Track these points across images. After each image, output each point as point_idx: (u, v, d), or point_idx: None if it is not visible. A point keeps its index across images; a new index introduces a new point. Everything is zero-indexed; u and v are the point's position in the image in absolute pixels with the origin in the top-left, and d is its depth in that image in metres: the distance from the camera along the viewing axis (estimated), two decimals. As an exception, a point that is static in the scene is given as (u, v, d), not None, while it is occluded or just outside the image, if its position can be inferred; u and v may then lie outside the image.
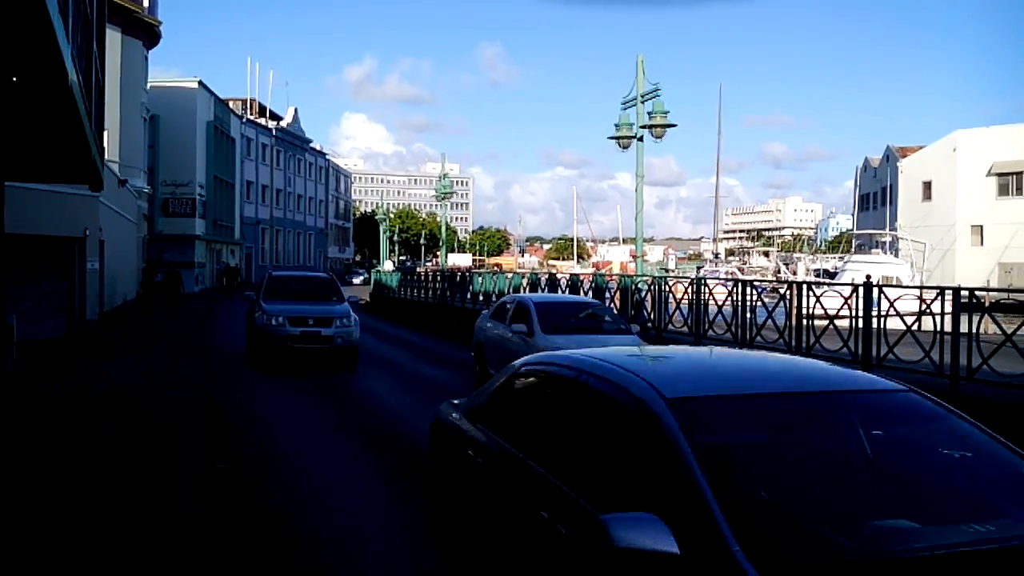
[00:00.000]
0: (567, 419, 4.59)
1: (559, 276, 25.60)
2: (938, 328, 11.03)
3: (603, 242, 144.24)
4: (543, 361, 5.41)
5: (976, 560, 3.18)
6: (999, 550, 3.30)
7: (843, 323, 13.01)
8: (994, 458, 4.05)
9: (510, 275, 29.01)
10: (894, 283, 19.52)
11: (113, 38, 34.66)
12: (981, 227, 53.76)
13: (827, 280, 31.68)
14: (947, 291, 11.61)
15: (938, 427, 4.38)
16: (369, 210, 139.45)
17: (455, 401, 6.31)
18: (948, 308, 11.39)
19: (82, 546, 6.53)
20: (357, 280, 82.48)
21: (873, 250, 49.24)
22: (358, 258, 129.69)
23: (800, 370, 4.98)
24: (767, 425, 4.01)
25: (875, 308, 12.25)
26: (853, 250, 56.80)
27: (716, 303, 16.31)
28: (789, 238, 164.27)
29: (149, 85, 48.44)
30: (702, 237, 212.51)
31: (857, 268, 35.49)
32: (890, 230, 52.81)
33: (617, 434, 4.10)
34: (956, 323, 10.70)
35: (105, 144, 21.72)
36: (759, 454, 3.90)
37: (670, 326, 17.73)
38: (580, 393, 4.54)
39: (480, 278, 30.82)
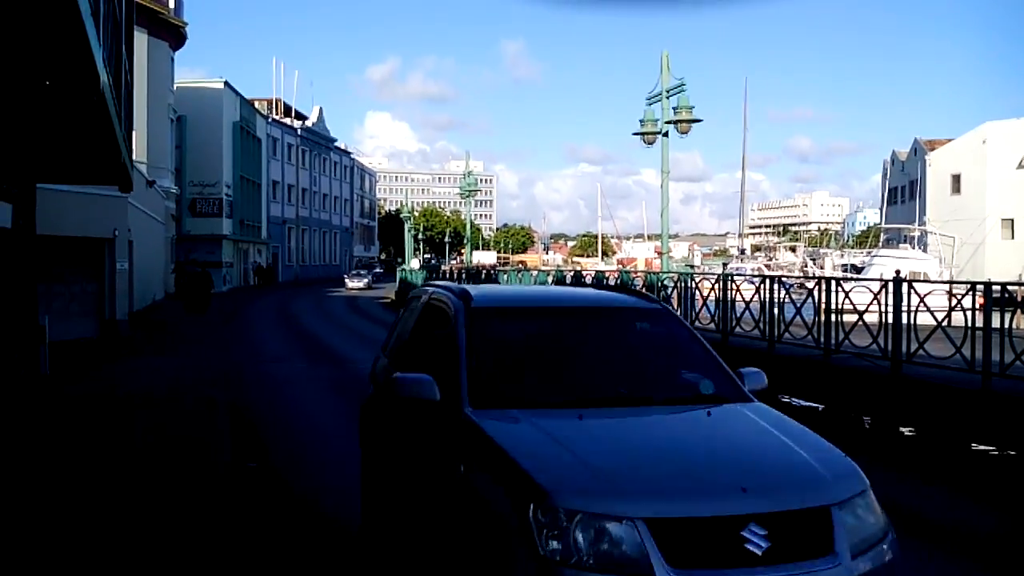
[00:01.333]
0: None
1: (584, 273, 25.54)
2: (969, 324, 10.92)
3: (628, 239, 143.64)
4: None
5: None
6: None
7: (872, 318, 12.89)
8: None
9: (535, 272, 29.02)
10: (921, 278, 19.29)
11: (140, 40, 35.00)
12: (1012, 220, 53.05)
13: (855, 276, 31.39)
14: (978, 286, 11.49)
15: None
16: (394, 208, 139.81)
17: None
18: (979, 303, 11.27)
19: (106, 544, 6.61)
20: (356, 283, 63.06)
21: (901, 245, 48.72)
22: (383, 256, 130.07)
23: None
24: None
25: (904, 303, 12.13)
26: (881, 245, 56.23)
27: (743, 299, 16.21)
28: (816, 233, 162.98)
29: (176, 86, 48.88)
30: (728, 233, 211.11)
31: (883, 263, 35.13)
32: (918, 224, 52.25)
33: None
34: (988, 318, 10.58)
35: (133, 145, 21.94)
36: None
37: (697, 323, 17.63)
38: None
39: (505, 275, 30.83)
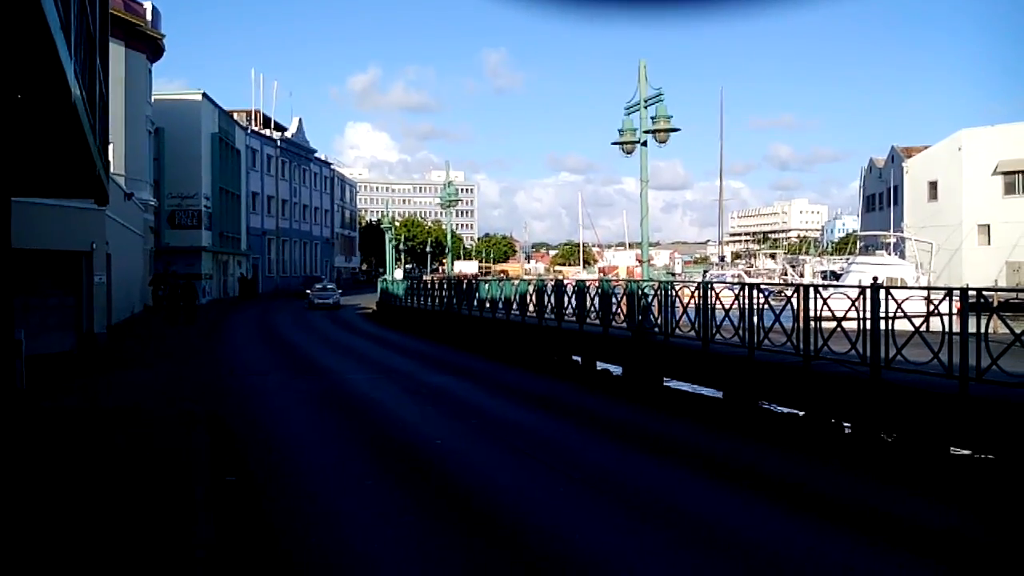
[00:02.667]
0: None
1: (566, 282, 25.55)
2: (946, 329, 11.00)
3: (609, 247, 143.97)
4: None
5: None
6: None
7: (851, 325, 12.96)
8: None
9: (516, 282, 28.98)
10: (899, 284, 19.46)
11: (116, 52, 34.81)
12: (988, 226, 53.60)
13: (834, 282, 31.61)
14: (955, 291, 11.58)
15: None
16: (375, 219, 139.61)
17: None
18: (956, 308, 11.35)
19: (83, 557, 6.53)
20: (322, 301, 51.97)
21: (877, 251, 49.14)
22: (365, 267, 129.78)
23: None
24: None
25: (882, 309, 12.21)
26: (858, 251, 56.64)
27: (723, 307, 16.27)
28: (795, 240, 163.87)
29: (153, 98, 48.62)
30: (708, 240, 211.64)
31: (861, 270, 35.41)
32: (896, 231, 52.70)
33: None
34: (964, 324, 10.66)
35: (111, 158, 21.77)
36: None
37: (677, 331, 17.69)
38: None
39: (487, 285, 30.80)
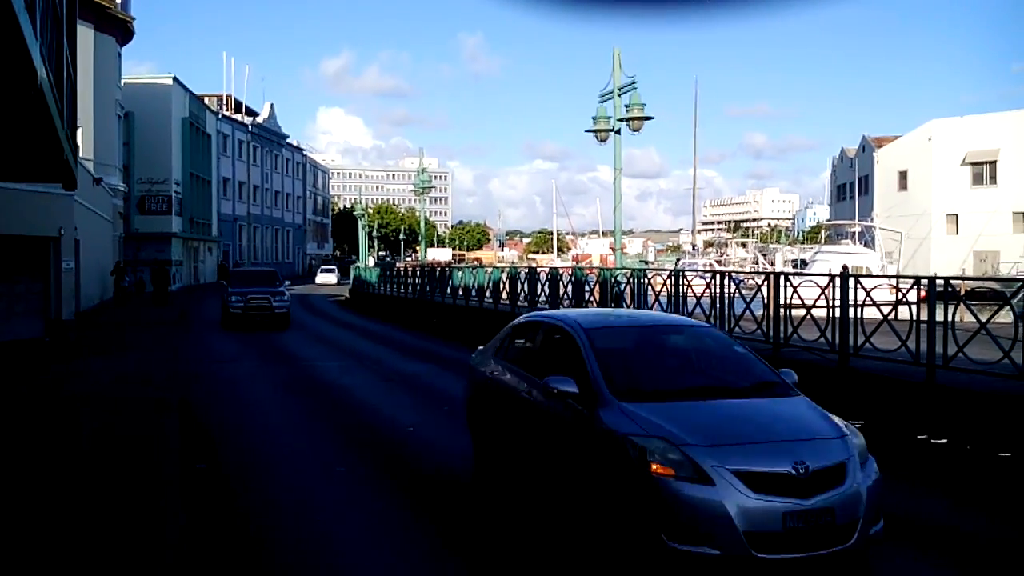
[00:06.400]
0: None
1: (539, 270, 25.60)
2: (914, 317, 11.13)
3: (583, 235, 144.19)
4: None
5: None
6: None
7: (820, 313, 13.09)
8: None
9: (490, 269, 28.99)
10: (863, 272, 19.67)
11: (85, 35, 34.32)
12: (956, 216, 54.30)
13: (804, 271, 31.88)
14: (922, 280, 11.72)
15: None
16: (348, 205, 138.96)
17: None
18: (923, 296, 11.50)
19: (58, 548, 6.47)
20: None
21: (843, 240, 49.62)
22: (338, 254, 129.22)
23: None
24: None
25: (851, 298, 12.32)
26: (824, 240, 57.18)
27: (695, 295, 16.36)
28: (767, 229, 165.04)
29: (123, 82, 48.03)
30: (681, 229, 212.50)
31: (826, 259, 35.77)
32: (865, 220, 53.21)
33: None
34: (932, 312, 10.79)
35: (79, 142, 21.51)
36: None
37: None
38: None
39: (460, 273, 30.78)
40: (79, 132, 20.79)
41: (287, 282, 36.93)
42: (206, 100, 72.35)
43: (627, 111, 20.15)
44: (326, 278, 70.07)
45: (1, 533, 6.87)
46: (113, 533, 6.81)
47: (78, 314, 25.09)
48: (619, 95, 20.42)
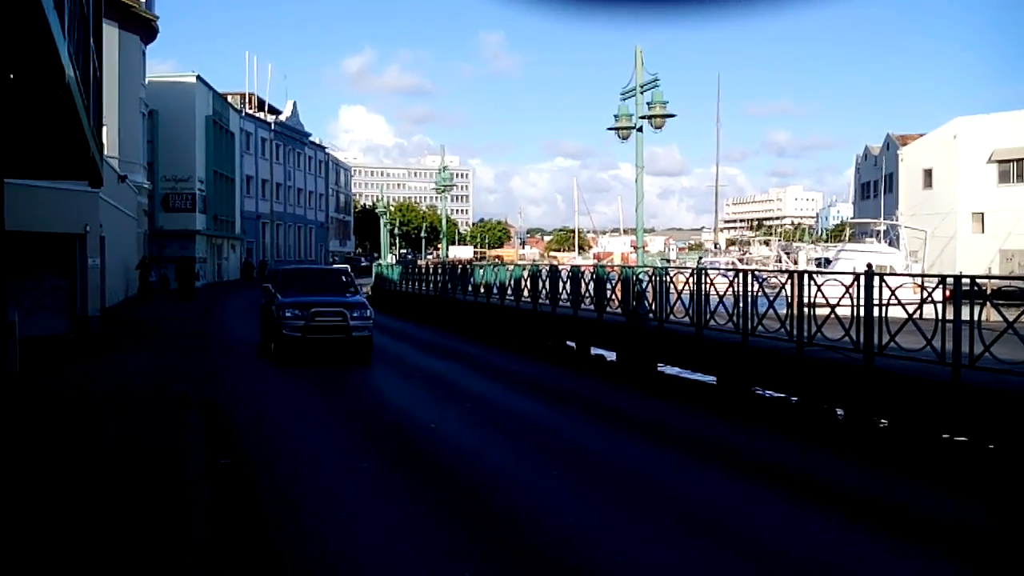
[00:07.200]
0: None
1: (560, 268, 25.56)
2: (939, 316, 11.03)
3: (604, 233, 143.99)
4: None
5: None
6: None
7: (844, 311, 13.00)
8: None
9: (511, 267, 28.98)
10: (887, 271, 19.45)
11: (110, 34, 34.58)
12: (982, 215, 53.71)
13: (827, 269, 31.63)
14: (948, 279, 11.61)
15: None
16: (369, 203, 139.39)
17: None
18: (949, 295, 11.39)
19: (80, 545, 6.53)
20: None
21: (868, 239, 49.18)
22: (359, 251, 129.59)
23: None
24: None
25: (876, 296, 12.23)
26: (848, 239, 56.72)
27: (717, 293, 16.29)
28: (790, 227, 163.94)
29: (147, 80, 48.35)
30: (703, 227, 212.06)
31: (850, 257, 35.47)
32: (889, 218, 52.73)
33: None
34: (957, 311, 10.69)
35: (104, 140, 21.66)
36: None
37: (672, 316, 17.72)
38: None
39: (481, 270, 30.79)
40: (104, 130, 20.94)
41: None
42: (229, 98, 72.73)
43: (649, 108, 20.06)
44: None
45: (31, 525, 6.95)
46: (137, 528, 6.87)
47: (104, 310, 25.28)
48: (641, 92, 20.33)
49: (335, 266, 32.98)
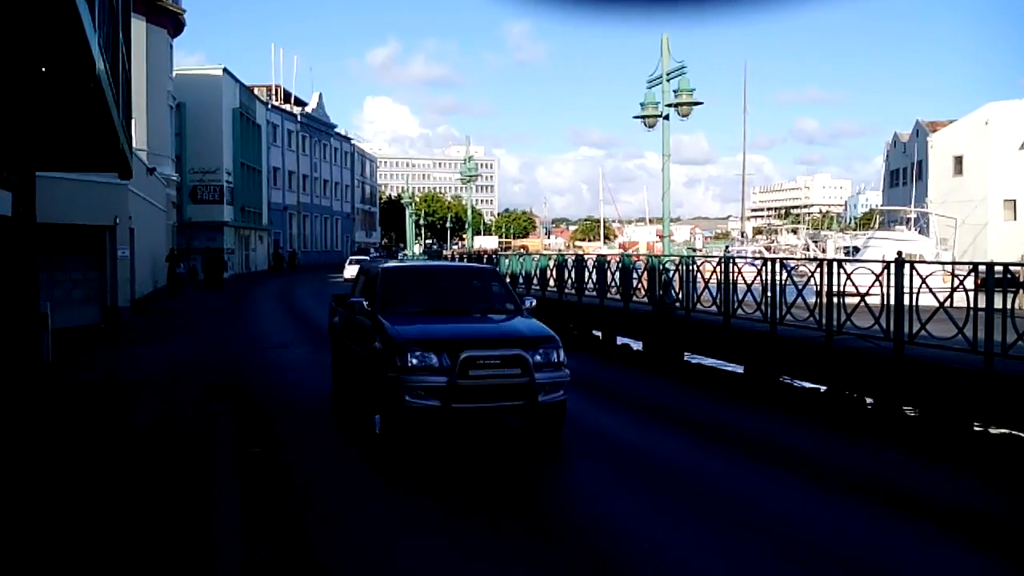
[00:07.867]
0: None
1: (586, 257, 25.52)
2: (971, 304, 10.89)
3: (630, 222, 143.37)
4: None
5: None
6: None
7: (874, 300, 12.88)
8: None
9: (536, 257, 28.98)
10: (917, 259, 19.21)
11: (138, 27, 34.83)
12: (1014, 202, 52.95)
13: (856, 258, 31.35)
14: (980, 266, 11.46)
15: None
16: (395, 194, 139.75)
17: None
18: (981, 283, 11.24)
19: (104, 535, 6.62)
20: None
21: (897, 227, 48.62)
22: (385, 242, 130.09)
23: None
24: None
25: (906, 285, 12.10)
26: (877, 226, 56.11)
27: (745, 282, 16.19)
28: (818, 215, 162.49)
29: (174, 73, 48.70)
30: (730, 216, 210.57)
31: (879, 245, 35.13)
32: (919, 206, 52.11)
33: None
34: (990, 299, 10.55)
35: (133, 132, 21.85)
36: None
37: (699, 305, 17.65)
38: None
39: (507, 260, 30.82)
40: (133, 123, 21.13)
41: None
42: (255, 91, 73.13)
43: (676, 96, 19.96)
44: (355, 272, 47.81)
45: (68, 510, 7.06)
46: (167, 517, 6.95)
47: (133, 301, 25.56)
48: (667, 80, 20.22)
49: (468, 264, 20.57)
